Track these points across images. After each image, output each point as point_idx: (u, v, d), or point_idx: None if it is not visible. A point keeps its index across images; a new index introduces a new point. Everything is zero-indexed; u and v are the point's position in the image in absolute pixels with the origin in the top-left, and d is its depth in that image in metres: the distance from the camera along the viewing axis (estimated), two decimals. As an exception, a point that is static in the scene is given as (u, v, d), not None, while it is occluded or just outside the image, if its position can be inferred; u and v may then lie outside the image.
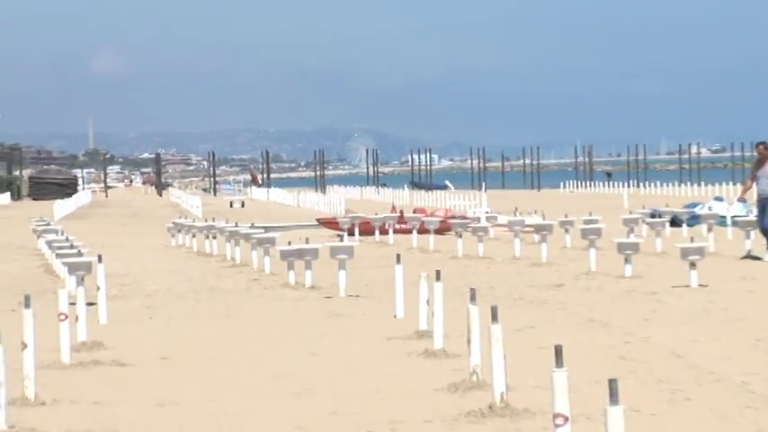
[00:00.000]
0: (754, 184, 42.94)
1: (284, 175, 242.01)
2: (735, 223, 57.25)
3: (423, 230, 60.91)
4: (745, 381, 20.47)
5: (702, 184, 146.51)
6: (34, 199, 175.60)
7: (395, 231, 63.31)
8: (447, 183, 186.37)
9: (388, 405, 19.39)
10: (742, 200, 59.55)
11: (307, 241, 42.66)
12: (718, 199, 79.05)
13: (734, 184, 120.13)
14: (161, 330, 29.37)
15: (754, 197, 44.94)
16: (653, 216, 62.11)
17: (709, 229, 56.62)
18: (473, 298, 20.39)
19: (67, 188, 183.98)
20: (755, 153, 44.98)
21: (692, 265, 35.85)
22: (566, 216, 59.36)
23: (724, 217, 62.66)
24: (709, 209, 68.67)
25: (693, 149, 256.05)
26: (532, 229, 51.98)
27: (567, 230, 54.25)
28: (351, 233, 61.45)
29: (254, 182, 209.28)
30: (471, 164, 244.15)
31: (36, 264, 51.44)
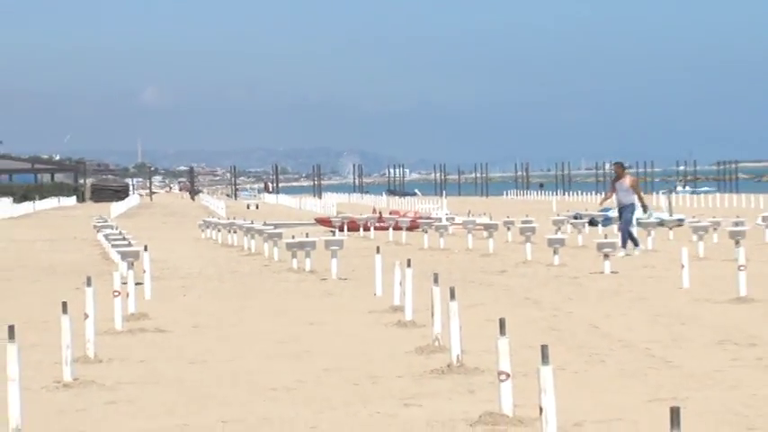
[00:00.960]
0: (614, 195, 43.15)
1: (289, 184, 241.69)
2: (639, 224, 57.16)
3: (397, 228, 61.02)
4: (647, 347, 20.56)
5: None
6: (95, 201, 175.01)
7: (375, 228, 63.27)
8: (416, 191, 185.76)
9: (370, 364, 19.48)
10: (604, 209, 60.49)
11: (307, 236, 42.75)
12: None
13: (643, 194, 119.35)
14: (193, 304, 29.43)
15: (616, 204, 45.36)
16: (575, 218, 62.04)
17: (619, 228, 56.78)
18: (436, 281, 20.54)
19: (121, 193, 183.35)
20: (614, 171, 45.63)
21: (606, 256, 35.92)
22: (507, 217, 59.47)
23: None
24: (617, 213, 68.86)
25: (606, 166, 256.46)
26: (482, 228, 51.86)
27: (508, 228, 54.22)
28: (341, 229, 61.39)
29: (266, 189, 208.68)
30: (435, 176, 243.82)
31: (96, 252, 51.36)
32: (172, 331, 24.23)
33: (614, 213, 68.75)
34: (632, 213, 43.39)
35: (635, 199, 43.22)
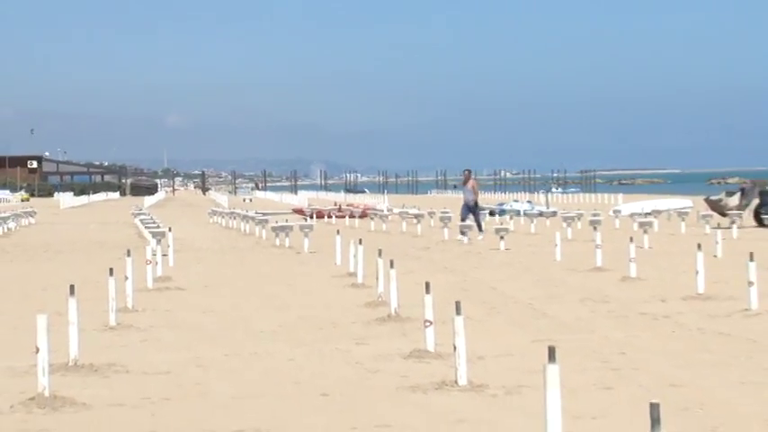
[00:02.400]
0: (462, 194, 42.29)
1: (273, 184, 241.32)
2: (526, 214, 57.29)
3: (351, 216, 61.07)
4: (530, 303, 20.59)
5: (507, 192, 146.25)
6: (133, 196, 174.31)
7: (336, 216, 63.21)
8: (365, 189, 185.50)
9: (332, 314, 19.45)
10: (499, 203, 60.67)
11: (286, 221, 42.64)
12: (518, 201, 79.28)
13: (528, 192, 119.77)
14: (204, 270, 29.34)
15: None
16: (481, 210, 62.22)
17: (511, 218, 56.87)
18: (380, 254, 20.51)
19: (152, 190, 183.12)
20: (463, 176, 44.34)
21: (501, 237, 35.95)
22: (431, 209, 59.60)
23: (518, 211, 62.98)
24: (511, 206, 69.09)
25: (503, 173, 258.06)
26: (412, 216, 51.80)
27: (431, 217, 54.28)
28: (311, 217, 61.22)
29: (257, 187, 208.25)
30: (379, 179, 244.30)
31: (133, 232, 51.08)
32: (188, 289, 24.17)
33: (509, 207, 69.25)
34: (471, 211, 41.51)
35: (476, 198, 41.97)
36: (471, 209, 41.51)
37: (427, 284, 14.18)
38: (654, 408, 6.36)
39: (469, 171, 43.98)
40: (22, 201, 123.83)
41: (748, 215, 46.78)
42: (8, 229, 52.85)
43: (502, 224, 44.32)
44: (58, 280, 24.58)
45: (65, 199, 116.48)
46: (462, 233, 39.68)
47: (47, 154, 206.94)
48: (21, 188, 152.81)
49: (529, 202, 76.70)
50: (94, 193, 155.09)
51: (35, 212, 70.61)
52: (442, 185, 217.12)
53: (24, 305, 20.75)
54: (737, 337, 15.82)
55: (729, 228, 41.67)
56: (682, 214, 52.03)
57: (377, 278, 20.87)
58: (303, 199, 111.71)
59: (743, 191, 48.47)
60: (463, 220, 41.08)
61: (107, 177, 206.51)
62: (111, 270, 17.86)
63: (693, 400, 11.44)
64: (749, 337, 15.71)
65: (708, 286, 20.88)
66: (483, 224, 41.30)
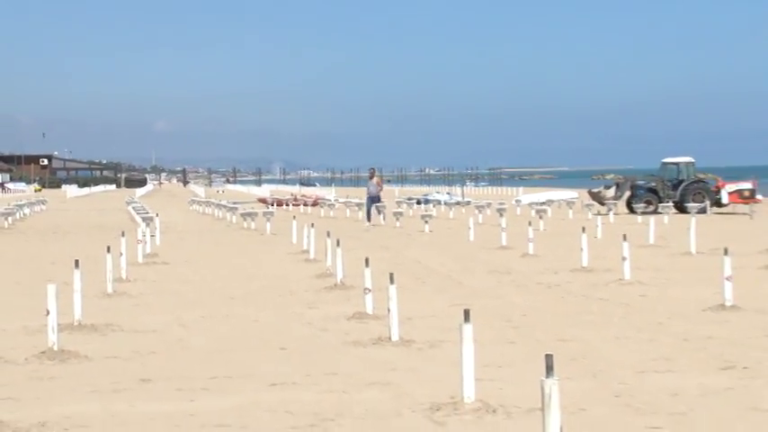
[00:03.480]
0: (366, 188, 41.23)
1: (241, 179, 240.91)
2: (446, 204, 57.44)
3: (305, 205, 60.98)
4: (449, 274, 20.67)
5: (431, 186, 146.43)
6: (126, 188, 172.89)
7: (293, 205, 63.15)
8: (316, 183, 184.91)
9: (289, 282, 19.42)
10: (425, 194, 60.36)
11: (252, 209, 42.55)
12: (440, 192, 79.50)
13: (448, 186, 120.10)
14: (185, 248, 29.16)
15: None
16: (409, 199, 62.39)
17: (434, 206, 57.05)
18: (328, 235, 20.52)
19: (143, 183, 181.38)
20: (369, 173, 42.75)
21: (426, 222, 36.03)
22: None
23: (440, 201, 63.18)
24: (434, 197, 69.27)
25: (427, 170, 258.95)
26: (355, 205, 51.81)
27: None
28: (273, 205, 61.03)
29: (228, 181, 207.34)
30: (328, 174, 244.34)
31: (126, 217, 50.64)
32: (172, 264, 24.00)
33: (432, 197, 69.39)
34: (374, 201, 40.26)
35: (380, 192, 40.91)
36: (373, 200, 40.53)
37: (366, 260, 14.19)
38: (548, 358, 6.38)
39: (374, 169, 43.04)
40: (35, 191, 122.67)
41: (622, 204, 47.24)
42: (24, 214, 52.47)
43: (426, 211, 44.43)
44: (65, 256, 24.34)
45: (70, 190, 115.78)
46: (369, 221, 39.23)
47: (56, 153, 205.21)
48: (34, 181, 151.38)
49: (448, 193, 76.83)
50: (95, 185, 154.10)
51: (46, 201, 70.18)
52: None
53: (37, 276, 20.54)
54: (613, 301, 15.98)
55: (607, 214, 42.01)
56: (569, 203, 52.44)
57: (326, 254, 20.89)
58: (266, 191, 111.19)
59: (617, 185, 48.95)
60: (368, 209, 40.34)
61: (105, 172, 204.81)
62: (108, 248, 17.79)
63: (579, 351, 11.54)
64: (623, 302, 15.87)
65: (590, 261, 21.07)
66: (379, 214, 39.97)
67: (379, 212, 40.37)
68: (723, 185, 47.64)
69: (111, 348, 12.27)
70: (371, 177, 41.47)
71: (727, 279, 14.74)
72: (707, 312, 14.41)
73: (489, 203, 51.92)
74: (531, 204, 53.47)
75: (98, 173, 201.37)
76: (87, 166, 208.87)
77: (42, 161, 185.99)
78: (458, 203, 59.03)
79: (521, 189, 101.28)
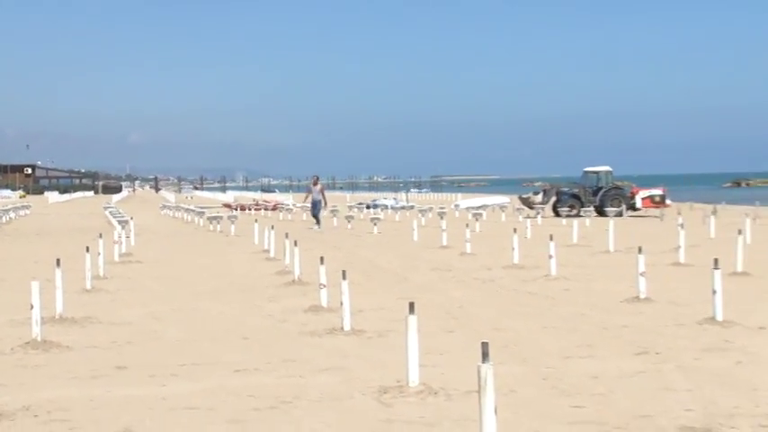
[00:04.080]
0: (311, 195, 39.30)
1: (208, 186, 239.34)
2: (393, 208, 57.54)
3: (266, 209, 60.79)
4: (397, 271, 20.68)
5: (379, 192, 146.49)
6: (104, 194, 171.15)
7: (254, 209, 62.88)
8: (276, 190, 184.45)
9: (251, 279, 19.34)
10: (374, 200, 60.27)
11: (218, 213, 42.30)
12: (387, 198, 79.56)
13: (394, 192, 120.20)
14: (157, 248, 28.93)
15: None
16: (360, 204, 62.43)
17: (382, 210, 57.04)
18: (287, 236, 20.45)
19: (118, 190, 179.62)
20: (312, 181, 40.80)
21: (375, 224, 36.06)
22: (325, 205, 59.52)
23: (387, 205, 63.21)
24: (381, 202, 69.27)
25: (375, 178, 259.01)
26: (310, 209, 51.75)
27: (328, 209, 54.21)
28: (236, 210, 60.78)
29: (195, 188, 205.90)
30: (287, 182, 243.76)
31: (104, 221, 50.11)
32: (145, 262, 23.80)
33: (380, 202, 69.35)
34: (320, 207, 39.21)
35: (322, 197, 39.61)
36: (317, 204, 39.43)
37: (321, 258, 14.18)
38: (484, 345, 6.40)
39: (317, 177, 42.16)
40: (20, 198, 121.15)
41: (548, 209, 47.56)
42: (9, 218, 51.84)
43: (375, 215, 44.45)
44: (47, 255, 24.05)
45: (52, 196, 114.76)
46: (317, 223, 38.81)
47: (39, 163, 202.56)
48: (19, 188, 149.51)
49: (394, 199, 76.94)
50: (74, 192, 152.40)
51: (30, 206, 69.36)
52: (332, 187, 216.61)
53: (22, 274, 20.27)
54: (541, 295, 16.07)
55: (535, 217, 42.28)
56: (502, 208, 52.72)
57: (284, 254, 20.82)
58: (230, 197, 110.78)
59: (545, 191, 49.26)
60: (313, 214, 39.44)
61: (84, 180, 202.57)
62: (87, 248, 17.63)
63: (511, 339, 11.59)
64: (549, 295, 15.97)
65: (521, 259, 21.18)
66: (316, 221, 38.90)
67: (316, 218, 39.37)
68: (637, 192, 48.09)
69: (89, 339, 12.16)
70: (315, 184, 40.82)
71: (641, 274, 14.89)
72: (623, 304, 14.54)
73: (431, 208, 52.10)
74: (468, 209, 53.74)
75: (77, 181, 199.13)
76: (68, 174, 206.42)
77: (26, 170, 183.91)
78: (403, 208, 59.21)
79: (459, 195, 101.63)
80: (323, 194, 40.06)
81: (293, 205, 63.55)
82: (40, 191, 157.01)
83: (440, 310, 14.19)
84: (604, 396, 8.59)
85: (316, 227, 38.19)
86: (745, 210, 44.77)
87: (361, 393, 8.83)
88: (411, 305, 8.71)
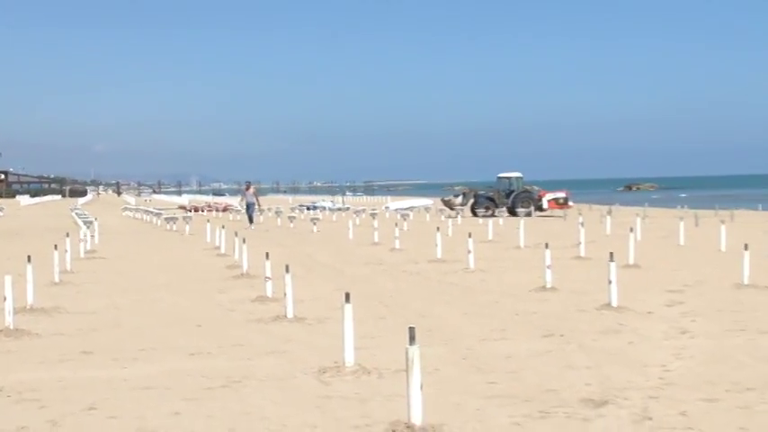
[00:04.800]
0: (246, 199, 38.60)
1: (165, 190, 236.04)
2: (330, 210, 57.43)
3: (217, 210, 60.21)
4: (334, 266, 20.62)
5: (318, 195, 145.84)
6: (70, 197, 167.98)
7: (207, 211, 62.25)
8: (226, 193, 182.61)
9: (203, 273, 19.14)
10: (313, 202, 60.09)
11: (174, 214, 41.79)
12: (325, 200, 79.40)
13: (331, 195, 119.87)
14: (120, 245, 28.49)
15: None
16: (301, 206, 62.20)
17: (321, 211, 56.89)
18: (236, 235, 20.31)
19: (84, 194, 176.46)
20: (245, 186, 40.14)
21: (314, 224, 35.94)
22: (269, 206, 59.11)
23: (325, 207, 63.12)
24: (320, 204, 69.15)
25: (315, 183, 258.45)
26: (265, 209, 51.41)
27: (269, 211, 53.85)
28: (191, 211, 60.12)
29: (154, 192, 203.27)
30: (237, 186, 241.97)
31: (70, 221, 49.21)
32: (108, 258, 23.43)
33: (319, 204, 69.18)
34: (253, 208, 38.68)
35: (255, 200, 39.05)
36: (250, 207, 38.80)
37: (267, 254, 14.10)
38: (411, 330, 6.42)
39: (249, 182, 41.18)
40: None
41: (467, 209, 47.86)
42: (-16, 219, 50.64)
43: (314, 216, 44.33)
44: (19, 252, 23.54)
45: (23, 200, 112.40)
46: (250, 222, 38.29)
47: (11, 169, 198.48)
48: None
49: (332, 201, 76.85)
50: (44, 195, 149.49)
51: (3, 208, 67.91)
52: (276, 191, 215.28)
53: (-4, 269, 19.86)
54: (461, 285, 16.17)
55: (456, 217, 42.52)
56: (427, 209, 52.92)
57: (233, 250, 20.66)
58: (185, 199, 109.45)
59: (464, 194, 49.53)
60: (249, 217, 38.71)
61: (53, 185, 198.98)
62: (55, 246, 17.36)
63: (435, 325, 11.64)
64: (467, 286, 16.07)
65: (443, 253, 21.30)
66: (250, 221, 38.41)
67: (250, 218, 38.73)
68: (544, 195, 48.59)
69: (57, 327, 11.94)
70: (248, 189, 40.08)
71: (547, 267, 15.05)
72: (532, 293, 14.69)
73: (364, 209, 52.19)
74: (397, 210, 53.92)
75: (47, 185, 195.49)
76: (38, 180, 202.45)
77: (0, 176, 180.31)
78: (339, 209, 59.21)
79: (389, 198, 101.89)
80: (256, 197, 39.65)
81: (241, 207, 63.20)
82: (12, 194, 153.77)
83: (372, 300, 14.19)
84: (516, 373, 8.66)
85: (250, 226, 37.68)
86: (636, 210, 45.58)
87: (302, 373, 8.79)
88: (347, 295, 8.70)
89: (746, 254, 15.19)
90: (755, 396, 7.58)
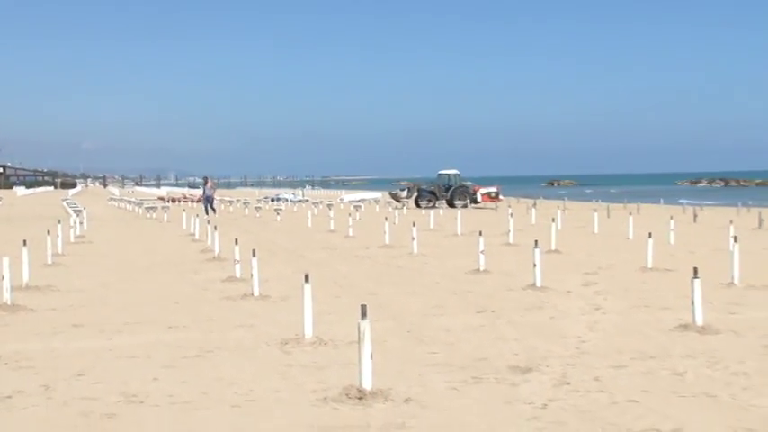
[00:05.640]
0: (203, 191, 38.29)
1: (146, 183, 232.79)
2: (292, 201, 57.06)
3: (193, 201, 59.38)
4: (294, 250, 20.54)
5: (280, 188, 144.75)
6: (62, 189, 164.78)
7: (183, 202, 61.45)
8: (200, 186, 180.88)
9: (181, 257, 18.91)
10: (277, 194, 59.26)
11: (154, 204, 41.21)
12: (287, 193, 78.89)
13: (293, 188, 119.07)
14: (107, 232, 28.03)
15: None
16: (266, 198, 61.64)
17: (283, 203, 56.51)
18: (208, 223, 20.05)
19: (74, 186, 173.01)
20: (203, 180, 39.00)
21: (277, 213, 35.68)
22: (239, 198, 58.55)
23: (287, 199, 62.69)
24: (283, 196, 68.67)
25: (278, 177, 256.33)
26: (228, 202, 50.89)
27: (239, 202, 53.37)
28: (169, 202, 59.30)
29: (136, 184, 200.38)
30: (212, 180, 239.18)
31: (62, 210, 48.37)
32: (96, 243, 23.04)
33: (282, 196, 68.68)
34: (209, 200, 37.79)
35: (213, 193, 38.82)
36: (209, 199, 38.11)
37: (236, 240, 13.99)
38: (363, 307, 6.41)
39: (207, 177, 40.26)
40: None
41: (411, 202, 47.95)
42: (-16, 207, 49.55)
43: (278, 206, 44.03)
44: (16, 237, 23.05)
45: (20, 191, 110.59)
46: (207, 214, 37.56)
47: (9, 164, 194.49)
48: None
49: (293, 194, 76.36)
50: (38, 187, 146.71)
51: (1, 198, 66.46)
52: (244, 184, 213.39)
53: (-6, 252, 19.43)
54: (406, 268, 16.19)
55: (402, 209, 42.56)
56: (376, 201, 52.90)
57: (207, 236, 20.44)
58: (164, 191, 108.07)
59: (409, 188, 49.59)
60: (205, 207, 37.86)
61: (46, 178, 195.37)
62: (48, 231, 17.07)
63: (383, 303, 11.65)
64: (413, 268, 16.10)
65: (391, 240, 21.31)
66: (213, 211, 37.61)
67: (213, 209, 38.12)
68: (478, 189, 48.87)
69: (50, 303, 11.73)
70: (206, 183, 39.45)
71: (480, 252, 15.15)
72: (467, 275, 14.77)
73: (321, 201, 52.02)
74: (350, 202, 53.81)
75: (41, 178, 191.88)
76: (33, 173, 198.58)
77: None
78: (300, 201, 58.87)
79: (343, 191, 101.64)
80: (213, 190, 38.98)
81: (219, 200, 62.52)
82: (9, 186, 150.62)
83: (328, 280, 14.15)
84: (453, 344, 8.71)
85: (209, 214, 36.65)
86: (557, 203, 46.05)
87: (266, 344, 8.74)
88: (306, 276, 8.66)
89: (650, 241, 15.45)
90: (657, 363, 7.72)
